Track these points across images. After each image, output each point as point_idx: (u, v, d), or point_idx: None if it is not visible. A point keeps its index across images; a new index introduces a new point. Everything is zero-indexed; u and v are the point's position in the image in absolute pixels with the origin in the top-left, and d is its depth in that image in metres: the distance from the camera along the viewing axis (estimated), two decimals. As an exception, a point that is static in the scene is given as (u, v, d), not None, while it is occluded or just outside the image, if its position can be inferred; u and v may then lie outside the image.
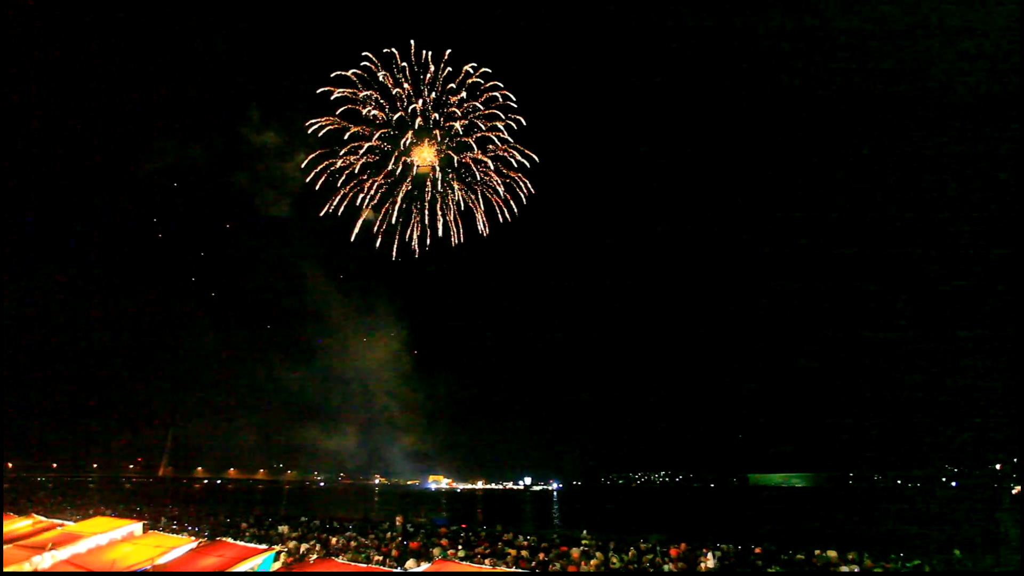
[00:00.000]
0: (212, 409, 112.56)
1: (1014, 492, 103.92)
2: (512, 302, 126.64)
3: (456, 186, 58.16)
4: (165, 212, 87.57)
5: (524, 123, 55.79)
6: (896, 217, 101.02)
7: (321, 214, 57.70)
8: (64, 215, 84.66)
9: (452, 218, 58.76)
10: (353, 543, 22.52)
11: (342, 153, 55.94)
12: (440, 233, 59.05)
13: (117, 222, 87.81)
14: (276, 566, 11.10)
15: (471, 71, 53.78)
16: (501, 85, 54.63)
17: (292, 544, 21.24)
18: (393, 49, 52.93)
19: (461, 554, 20.44)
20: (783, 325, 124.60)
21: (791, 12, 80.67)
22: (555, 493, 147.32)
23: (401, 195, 58.09)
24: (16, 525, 13.80)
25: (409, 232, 59.24)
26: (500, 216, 58.49)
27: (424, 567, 11.17)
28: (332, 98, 53.73)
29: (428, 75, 53.95)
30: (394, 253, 59.41)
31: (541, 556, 20.53)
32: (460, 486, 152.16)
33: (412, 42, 52.89)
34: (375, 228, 59.13)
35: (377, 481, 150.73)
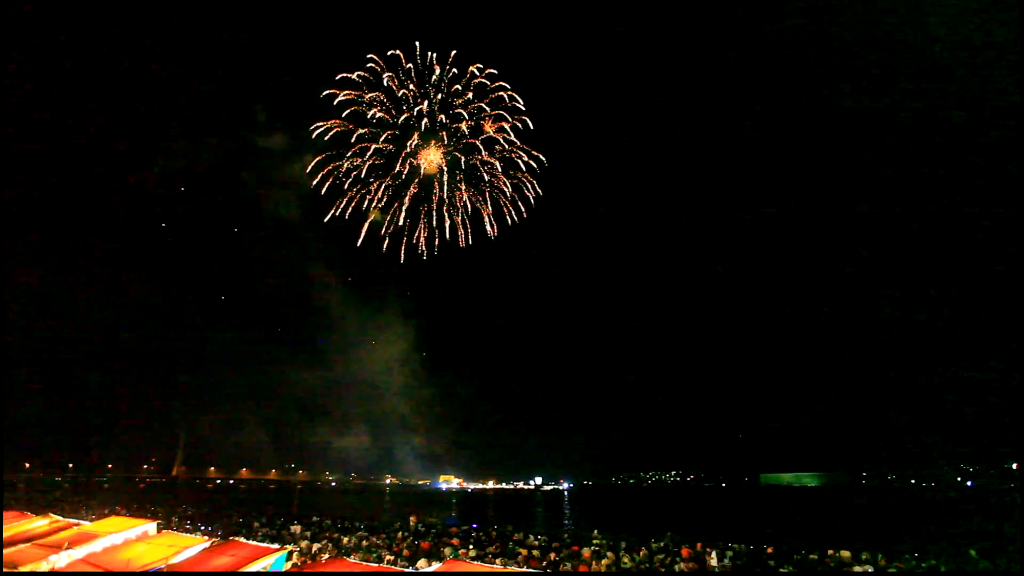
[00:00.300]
0: (225, 410, 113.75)
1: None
2: (522, 303, 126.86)
3: (463, 187, 58.16)
4: (177, 215, 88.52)
5: (531, 124, 55.67)
6: (913, 215, 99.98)
7: (327, 219, 57.80)
8: (79, 218, 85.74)
9: (460, 220, 58.75)
10: (364, 543, 22.60)
11: (348, 156, 56.04)
12: (448, 235, 59.07)
13: (130, 224, 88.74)
14: (288, 565, 11.15)
15: (476, 72, 53.73)
16: (507, 86, 54.51)
17: (304, 543, 21.34)
18: (398, 51, 52.97)
19: (472, 554, 20.45)
20: (795, 325, 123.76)
21: (799, 13, 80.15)
22: (566, 493, 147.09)
23: (408, 198, 58.15)
24: (34, 524, 13.98)
25: (417, 234, 59.30)
26: (508, 217, 58.41)
27: (435, 567, 11.18)
28: (336, 101, 53.83)
29: (434, 76, 53.98)
30: (402, 255, 59.47)
31: (552, 556, 20.49)
32: (471, 486, 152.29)
33: (417, 43, 52.93)
34: (382, 230, 59.23)
35: (388, 481, 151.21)
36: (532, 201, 58.12)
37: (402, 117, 55.28)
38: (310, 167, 56.44)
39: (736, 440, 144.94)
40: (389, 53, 53.11)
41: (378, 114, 54.83)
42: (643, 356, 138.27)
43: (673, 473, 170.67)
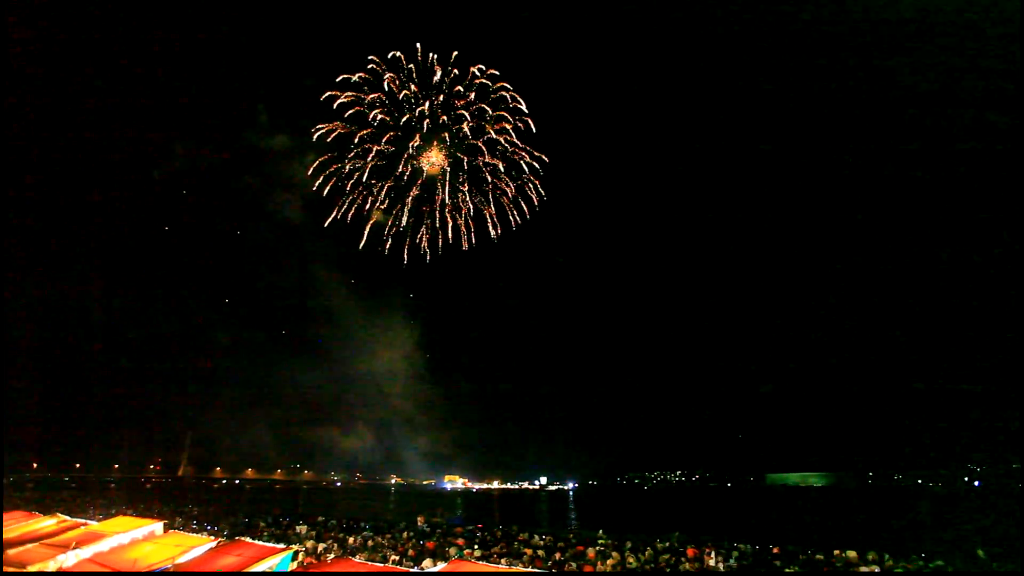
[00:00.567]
0: (230, 411, 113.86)
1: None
2: (526, 303, 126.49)
3: (466, 188, 58.12)
4: (181, 217, 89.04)
5: (532, 125, 55.54)
6: (919, 214, 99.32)
7: (328, 221, 57.83)
8: (85, 220, 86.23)
9: (463, 221, 58.73)
10: (370, 542, 22.67)
11: (350, 158, 56.03)
12: (450, 236, 59.05)
13: (136, 226, 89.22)
14: (294, 565, 11.20)
15: (478, 73, 53.65)
16: (509, 87, 54.44)
17: (310, 543, 21.43)
18: (399, 53, 52.93)
19: (477, 554, 20.49)
20: (799, 323, 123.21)
21: (804, 13, 79.83)
22: (571, 493, 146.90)
23: (411, 199, 58.14)
24: (41, 524, 14.09)
25: (419, 235, 59.31)
26: (511, 218, 58.36)
27: (440, 567, 11.20)
28: (337, 104, 53.82)
29: (435, 78, 53.93)
30: (405, 257, 59.49)
31: (557, 556, 20.51)
32: (476, 486, 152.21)
33: (418, 45, 52.90)
34: (385, 231, 59.26)
35: (393, 481, 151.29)
36: (535, 202, 58.09)
37: (404, 118, 55.30)
38: (311, 169, 56.50)
39: (741, 439, 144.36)
40: (390, 55, 53.20)
41: (379, 116, 54.87)
42: (648, 356, 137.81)
43: (678, 473, 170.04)
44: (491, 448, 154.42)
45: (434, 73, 53.81)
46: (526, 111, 55.29)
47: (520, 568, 16.66)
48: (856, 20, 79.22)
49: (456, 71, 53.89)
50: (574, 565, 19.25)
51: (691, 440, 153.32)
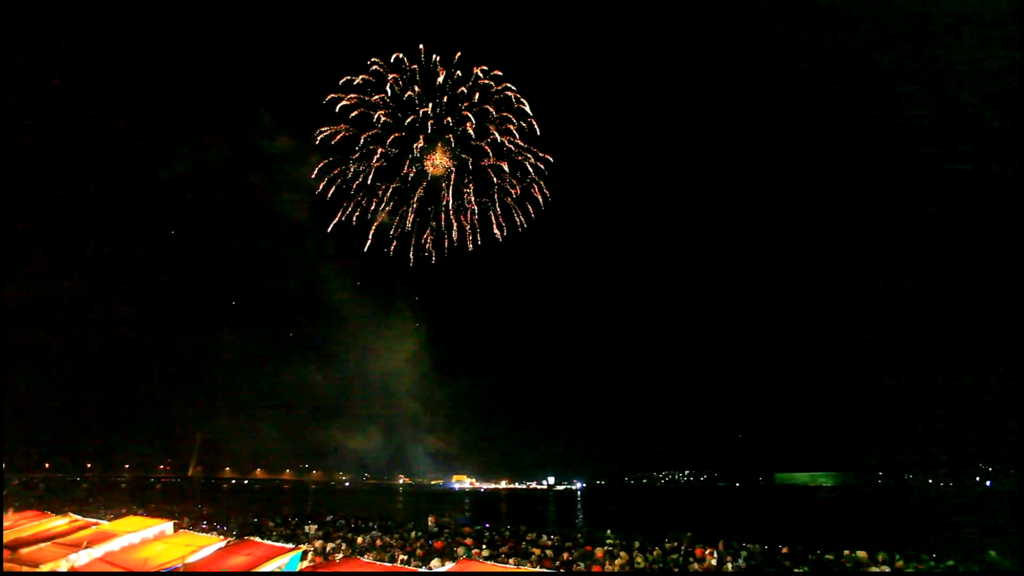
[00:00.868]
0: (239, 412, 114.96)
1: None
2: (533, 304, 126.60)
3: (471, 188, 58.05)
4: (187, 219, 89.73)
5: (536, 127, 55.36)
6: (936, 212, 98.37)
7: (332, 224, 57.85)
8: (94, 223, 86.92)
9: (468, 222, 58.67)
10: (378, 542, 22.72)
11: (354, 159, 56.03)
12: (455, 237, 58.99)
13: (145, 228, 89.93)
14: (303, 565, 11.22)
15: (481, 74, 53.54)
16: (513, 87, 54.30)
17: (318, 543, 21.50)
18: (401, 54, 52.83)
19: (485, 553, 20.48)
20: (811, 324, 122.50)
21: (809, 15, 79.41)
22: (579, 492, 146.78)
23: (415, 201, 58.12)
24: (53, 523, 14.22)
25: (425, 237, 59.29)
26: (516, 219, 58.25)
27: (448, 566, 11.20)
28: (339, 106, 53.76)
29: (438, 79, 53.83)
30: (411, 258, 59.47)
31: (565, 556, 20.46)
32: (483, 486, 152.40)
33: (421, 46, 52.82)
34: (391, 233, 59.28)
35: (401, 481, 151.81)
36: (540, 203, 57.94)
37: (408, 120, 55.26)
38: (315, 171, 56.54)
39: (751, 439, 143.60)
40: (394, 56, 53.12)
41: (383, 118, 54.84)
42: (656, 355, 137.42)
43: (687, 473, 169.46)
44: (499, 448, 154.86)
45: (437, 75, 53.78)
46: (530, 112, 55.20)
47: (528, 568, 16.64)
48: (858, 20, 78.87)
49: (459, 72, 53.83)
50: (582, 565, 19.21)
51: (699, 440, 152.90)
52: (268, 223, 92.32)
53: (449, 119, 55.40)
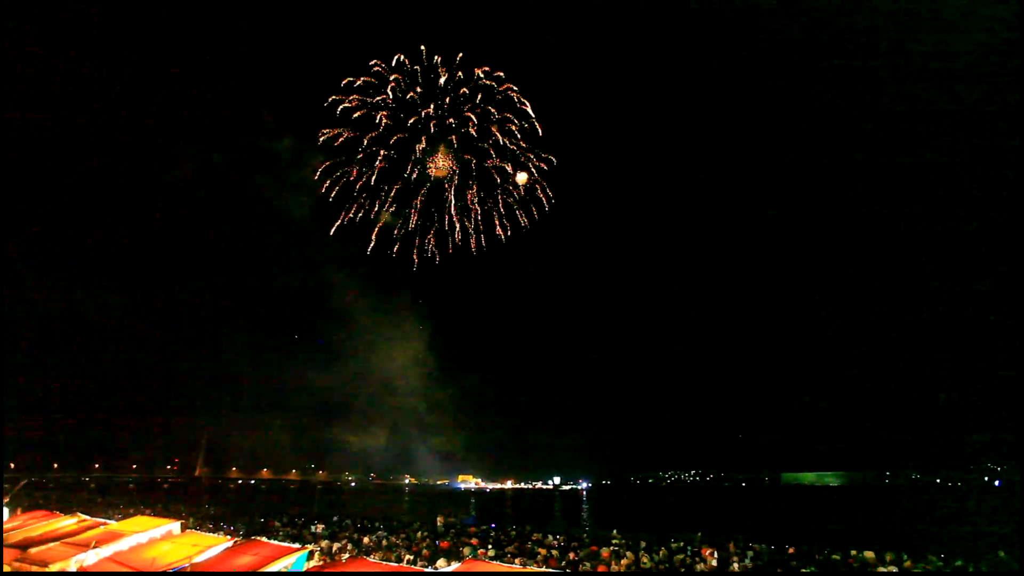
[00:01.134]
0: (246, 412, 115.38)
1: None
2: (537, 304, 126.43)
3: (474, 189, 57.96)
4: (195, 220, 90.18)
5: (539, 128, 55.16)
6: (942, 211, 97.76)
7: (335, 228, 57.78)
8: (100, 223, 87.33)
9: (471, 223, 58.61)
10: (384, 542, 22.76)
11: (356, 161, 55.99)
12: (459, 238, 58.92)
13: (151, 229, 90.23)
14: (309, 565, 11.27)
15: (483, 75, 53.42)
16: (515, 88, 54.18)
17: (325, 543, 21.55)
18: (403, 56, 52.75)
19: (491, 553, 20.51)
20: (817, 323, 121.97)
21: (809, 16, 79.10)
22: (584, 492, 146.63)
23: (418, 202, 58.07)
24: (62, 523, 14.35)
25: (428, 238, 59.25)
26: (520, 219, 58.17)
27: (454, 566, 11.22)
28: (341, 108, 53.70)
29: (441, 80, 53.74)
30: (414, 260, 59.42)
31: (571, 556, 20.46)
32: (489, 486, 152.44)
33: (423, 47, 52.74)
34: (394, 234, 59.25)
35: (407, 481, 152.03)
36: (544, 203, 57.82)
37: (410, 121, 55.20)
38: (318, 174, 56.53)
39: (756, 439, 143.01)
40: (394, 59, 53.04)
41: (385, 120, 54.80)
42: (662, 355, 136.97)
43: (692, 472, 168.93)
44: (504, 448, 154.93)
45: (439, 76, 53.72)
46: (532, 113, 55.06)
47: (534, 568, 16.63)
48: (861, 20, 78.54)
49: (461, 74, 53.70)
50: (588, 565, 19.19)
51: (705, 440, 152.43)
52: (273, 225, 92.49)
53: (451, 120, 55.39)
